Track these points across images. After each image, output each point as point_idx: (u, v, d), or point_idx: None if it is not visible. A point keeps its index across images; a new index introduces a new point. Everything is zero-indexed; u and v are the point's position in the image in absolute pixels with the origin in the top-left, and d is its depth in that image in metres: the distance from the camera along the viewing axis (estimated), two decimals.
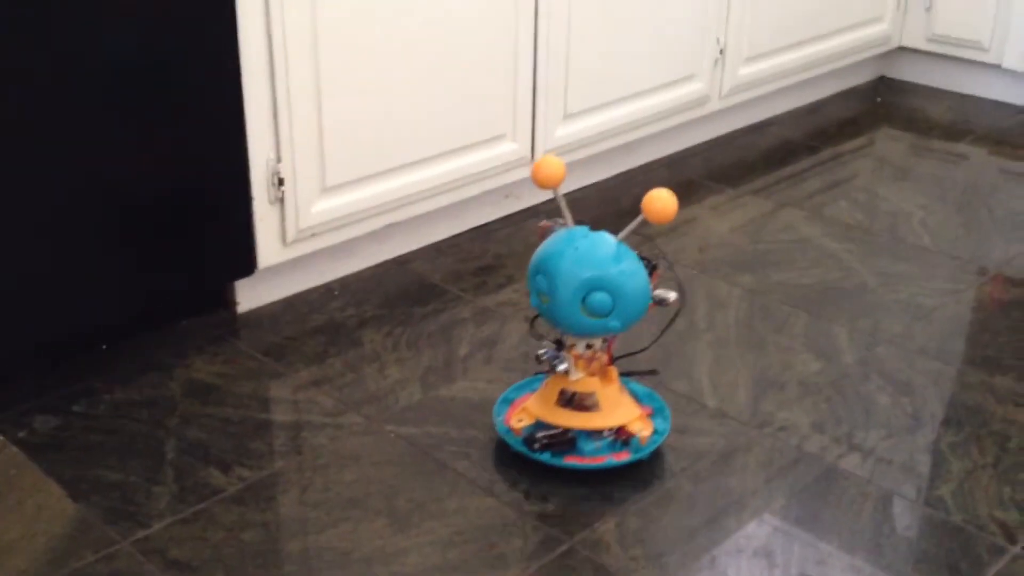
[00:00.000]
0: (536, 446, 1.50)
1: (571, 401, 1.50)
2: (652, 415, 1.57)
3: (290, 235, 1.85)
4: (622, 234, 1.45)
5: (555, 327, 1.48)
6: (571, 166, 2.31)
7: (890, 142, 2.65)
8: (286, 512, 1.44)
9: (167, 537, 1.38)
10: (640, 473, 1.51)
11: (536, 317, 1.52)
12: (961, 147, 2.60)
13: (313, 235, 1.89)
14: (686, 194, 2.35)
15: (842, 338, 1.83)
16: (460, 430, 1.60)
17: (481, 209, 2.20)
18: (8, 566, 1.33)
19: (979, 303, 1.95)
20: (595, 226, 1.47)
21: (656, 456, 1.54)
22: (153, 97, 1.64)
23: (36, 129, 1.53)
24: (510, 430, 1.53)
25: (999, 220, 2.24)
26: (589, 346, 1.49)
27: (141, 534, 1.39)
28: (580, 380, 1.50)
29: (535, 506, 1.45)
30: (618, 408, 1.51)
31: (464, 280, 2.01)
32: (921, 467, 1.53)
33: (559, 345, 1.51)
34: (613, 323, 1.43)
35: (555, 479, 1.49)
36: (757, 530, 1.41)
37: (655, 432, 1.54)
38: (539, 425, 1.52)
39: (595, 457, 1.50)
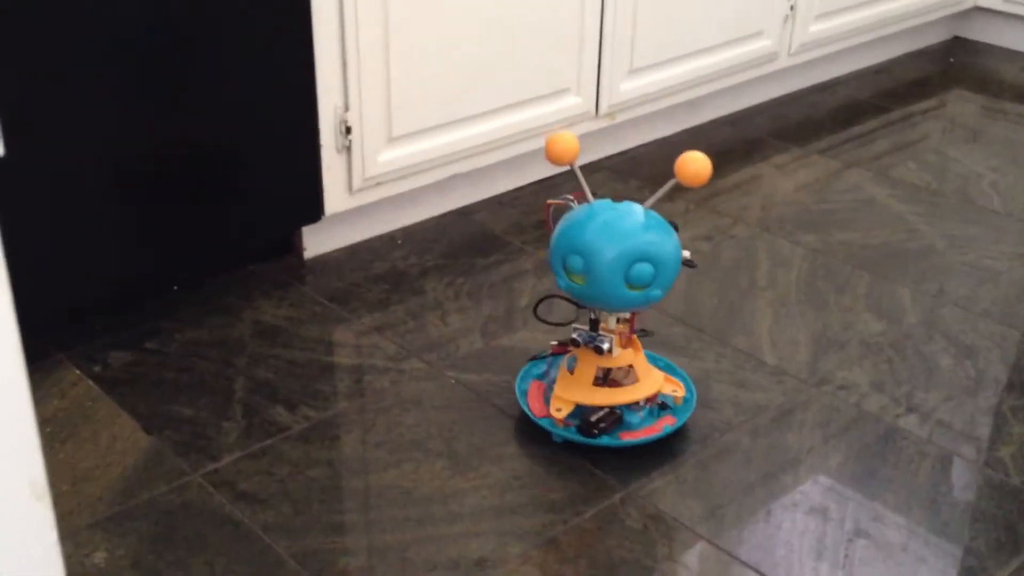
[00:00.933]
0: (596, 432, 1.46)
1: (606, 378, 1.48)
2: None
3: (356, 183, 1.87)
4: (651, 200, 1.41)
5: (592, 305, 1.43)
6: (635, 122, 2.31)
7: (962, 103, 2.60)
8: (349, 451, 1.48)
9: (235, 471, 1.43)
10: (697, 428, 1.52)
11: (542, 301, 1.49)
12: None
13: (378, 184, 1.91)
14: (751, 152, 2.34)
15: (905, 299, 1.82)
16: (509, 379, 1.62)
17: (544, 163, 2.21)
18: (84, 493, 1.39)
19: None
20: (658, 184, 1.47)
21: (713, 411, 1.55)
22: (225, 44, 1.67)
23: (114, 77, 1.57)
24: (554, 421, 1.49)
25: None
26: (618, 320, 1.47)
27: (211, 467, 1.44)
28: (618, 355, 1.47)
29: (592, 454, 1.47)
30: (650, 376, 1.50)
31: (526, 232, 2.03)
32: (981, 429, 1.52)
33: (593, 324, 1.46)
34: (655, 292, 1.39)
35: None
36: (813, 487, 1.42)
37: (687, 391, 1.55)
38: (582, 409, 1.49)
39: (648, 428, 1.49)
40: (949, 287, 1.85)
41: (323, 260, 1.93)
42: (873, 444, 1.50)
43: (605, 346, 1.44)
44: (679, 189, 1.42)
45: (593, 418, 1.47)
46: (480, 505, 1.39)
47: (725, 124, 2.47)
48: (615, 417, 1.48)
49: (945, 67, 2.79)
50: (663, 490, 1.41)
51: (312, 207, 1.85)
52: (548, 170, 2.22)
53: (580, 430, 1.47)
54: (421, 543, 1.33)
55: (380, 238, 2.00)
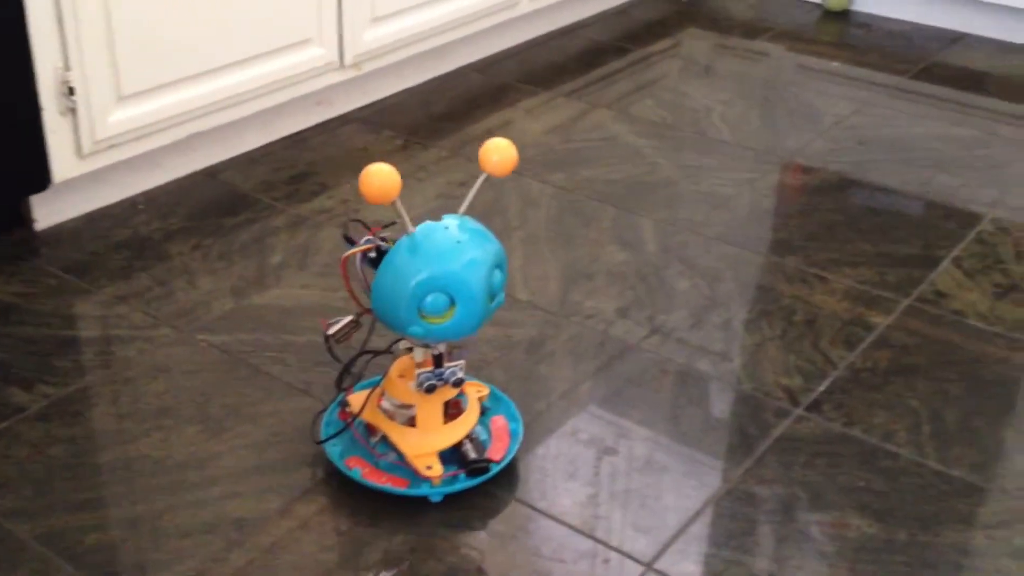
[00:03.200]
0: (483, 462, 1.33)
1: (447, 411, 1.34)
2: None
3: (86, 147, 1.77)
4: (465, 204, 1.28)
5: (454, 339, 1.27)
6: (383, 72, 2.29)
7: (695, 42, 2.73)
8: (95, 425, 1.42)
9: None
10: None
11: (336, 336, 1.29)
12: (760, 44, 2.71)
13: (111, 146, 1.82)
14: (500, 97, 2.37)
15: (647, 229, 1.91)
16: (275, 336, 1.60)
17: (293, 117, 2.17)
18: None
19: (773, 191, 2.06)
20: (411, 133, 1.46)
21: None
22: None
23: None
24: (429, 482, 1.30)
25: (794, 112, 2.35)
26: (427, 346, 1.31)
27: None
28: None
29: None
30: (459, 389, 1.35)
31: (276, 189, 1.99)
32: (716, 344, 1.63)
33: (438, 361, 1.29)
34: (501, 296, 1.29)
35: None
36: (564, 412, 1.48)
37: (488, 390, 1.44)
38: (450, 457, 1.33)
39: (493, 447, 1.37)
40: (685, 214, 1.96)
41: (57, 231, 1.83)
42: (619, 366, 1.57)
43: (457, 378, 1.30)
44: (467, 164, 1.40)
45: (471, 455, 1.33)
46: (237, 466, 1.36)
47: (474, 71, 2.50)
48: (484, 459, 1.33)
49: (680, 7, 2.92)
50: None
51: (38, 175, 1.74)
52: (298, 124, 2.18)
53: (472, 471, 1.32)
54: (175, 510, 1.29)
55: (120, 204, 1.91)
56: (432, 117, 2.25)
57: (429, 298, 1.21)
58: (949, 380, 1.56)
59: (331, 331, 1.31)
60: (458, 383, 1.31)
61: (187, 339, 1.58)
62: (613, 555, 1.27)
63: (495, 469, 1.34)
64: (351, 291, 1.28)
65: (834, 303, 1.72)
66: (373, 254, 1.26)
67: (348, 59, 2.15)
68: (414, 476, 1.32)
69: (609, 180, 2.06)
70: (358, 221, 1.37)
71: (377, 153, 2.10)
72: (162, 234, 1.83)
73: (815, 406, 1.50)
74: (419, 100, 2.34)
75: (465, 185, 1.99)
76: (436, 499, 1.31)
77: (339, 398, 1.41)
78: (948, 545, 1.28)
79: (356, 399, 1.37)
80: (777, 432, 1.46)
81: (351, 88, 2.25)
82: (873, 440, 1.44)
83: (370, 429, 1.36)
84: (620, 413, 1.48)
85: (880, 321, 1.68)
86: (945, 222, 1.96)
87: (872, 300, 1.73)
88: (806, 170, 2.13)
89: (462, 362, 1.31)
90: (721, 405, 1.51)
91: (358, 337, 1.34)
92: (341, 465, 1.34)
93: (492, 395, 1.45)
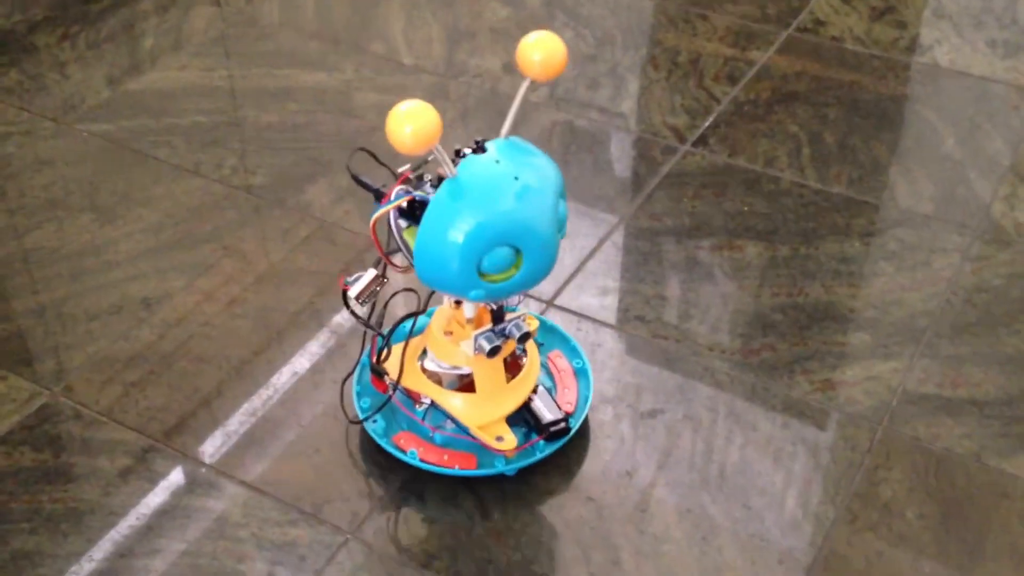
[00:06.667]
0: (563, 422, 1.10)
1: (507, 366, 1.11)
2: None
3: None
4: (507, 125, 1.02)
5: (518, 294, 1.03)
6: None
7: None
8: None
9: None
10: (341, 135, 1.54)
11: (361, 297, 1.03)
12: None
13: None
14: None
15: None
16: (157, 120, 1.56)
17: None
18: None
19: None
20: None
21: (357, 119, 1.57)
22: None
23: None
24: (503, 457, 1.09)
25: None
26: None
27: None
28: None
29: (243, 180, 1.47)
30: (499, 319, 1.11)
31: None
32: (603, 91, 1.64)
33: (498, 316, 1.05)
34: (564, 228, 1.04)
35: (264, 151, 1.51)
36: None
37: (538, 322, 1.19)
38: (517, 417, 1.11)
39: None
40: None
41: None
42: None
43: (527, 327, 1.07)
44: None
45: (546, 415, 1.10)
46: (136, 249, 1.36)
47: None
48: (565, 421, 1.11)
49: None
50: (322, 195, 1.44)
51: None
52: None
53: (551, 436, 1.10)
54: (79, 296, 1.30)
55: None
56: None
57: (489, 255, 0.96)
58: (827, 104, 1.61)
59: (353, 291, 1.03)
60: (525, 337, 1.06)
61: (67, 131, 1.54)
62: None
63: (574, 427, 1.11)
64: (387, 258, 1.00)
65: (717, 41, 1.74)
66: (405, 205, 0.98)
67: None
68: (481, 449, 1.08)
69: None
70: (369, 154, 1.05)
71: None
72: (26, 26, 1.74)
73: (701, 141, 1.54)
74: None
75: None
76: (511, 474, 1.09)
77: (364, 360, 1.16)
78: (828, 255, 1.36)
79: (391, 364, 1.10)
80: (665, 169, 1.50)
81: None
82: (757, 167, 1.50)
83: (411, 395, 1.11)
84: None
85: (761, 55, 1.71)
86: None
87: (753, 35, 1.75)
88: None
89: (525, 312, 1.09)
90: (611, 149, 1.54)
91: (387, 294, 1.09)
92: (391, 446, 1.09)
93: (542, 326, 1.22)
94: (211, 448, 1.13)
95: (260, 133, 1.55)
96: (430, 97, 1.62)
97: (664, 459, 1.12)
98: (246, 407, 1.17)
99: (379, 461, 1.11)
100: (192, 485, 1.09)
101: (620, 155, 1.53)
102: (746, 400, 1.18)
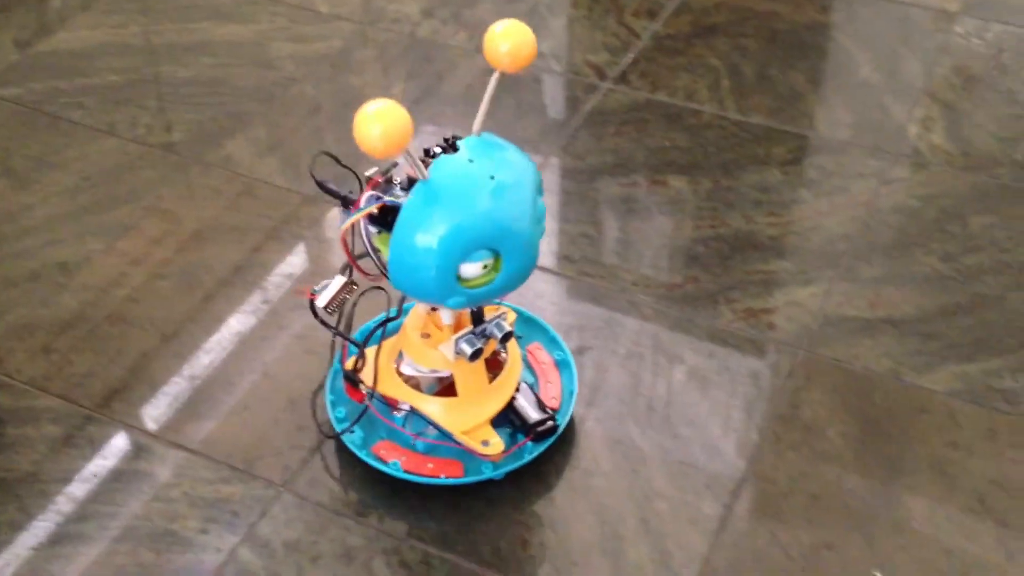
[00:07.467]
0: (549, 421, 1.06)
1: (489, 364, 1.06)
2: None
3: None
4: (478, 120, 0.97)
5: (500, 295, 0.97)
6: None
7: None
8: None
9: None
10: (258, 89, 1.52)
11: (329, 307, 0.98)
12: None
13: None
14: None
15: None
16: (68, 81, 1.53)
17: None
18: None
19: None
20: None
21: (274, 70, 1.55)
22: None
23: None
24: (486, 458, 1.04)
25: None
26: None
27: None
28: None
29: (160, 138, 1.44)
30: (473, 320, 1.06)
31: None
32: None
33: (477, 317, 1.01)
34: (543, 224, 0.99)
35: (180, 108, 1.48)
36: None
37: (515, 314, 1.13)
38: (502, 419, 1.06)
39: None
40: None
41: None
42: (429, 67, 1.57)
43: (508, 326, 1.02)
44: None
45: (532, 415, 1.06)
46: (52, 214, 1.34)
47: None
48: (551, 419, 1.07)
49: None
50: (242, 150, 1.42)
51: None
52: None
53: (538, 436, 1.05)
54: None
55: None
56: None
57: (467, 260, 0.92)
58: (746, 36, 1.62)
59: (321, 301, 0.98)
60: (507, 337, 1.01)
61: None
62: None
63: (562, 424, 1.07)
64: (358, 267, 0.96)
65: None
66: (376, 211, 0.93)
67: None
68: (466, 455, 1.04)
69: None
70: (332, 157, 1.01)
71: None
72: None
73: (622, 78, 1.54)
74: None
75: None
76: (500, 478, 1.05)
77: (335, 368, 1.12)
78: (749, 186, 1.38)
79: (366, 372, 1.06)
80: (587, 107, 1.50)
81: None
82: (677, 101, 1.50)
83: (389, 401, 1.07)
84: (435, 112, 1.49)
85: None
86: None
87: None
88: None
89: (504, 310, 1.04)
90: (532, 90, 1.54)
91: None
92: (371, 458, 1.04)
93: (520, 317, 1.17)
94: (141, 413, 1.12)
95: (176, 89, 1.52)
96: (349, 45, 1.60)
97: (593, 395, 1.13)
98: (174, 369, 1.16)
99: (308, 415, 1.11)
100: (123, 450, 1.09)
101: (541, 96, 1.53)
102: (672, 332, 1.20)
